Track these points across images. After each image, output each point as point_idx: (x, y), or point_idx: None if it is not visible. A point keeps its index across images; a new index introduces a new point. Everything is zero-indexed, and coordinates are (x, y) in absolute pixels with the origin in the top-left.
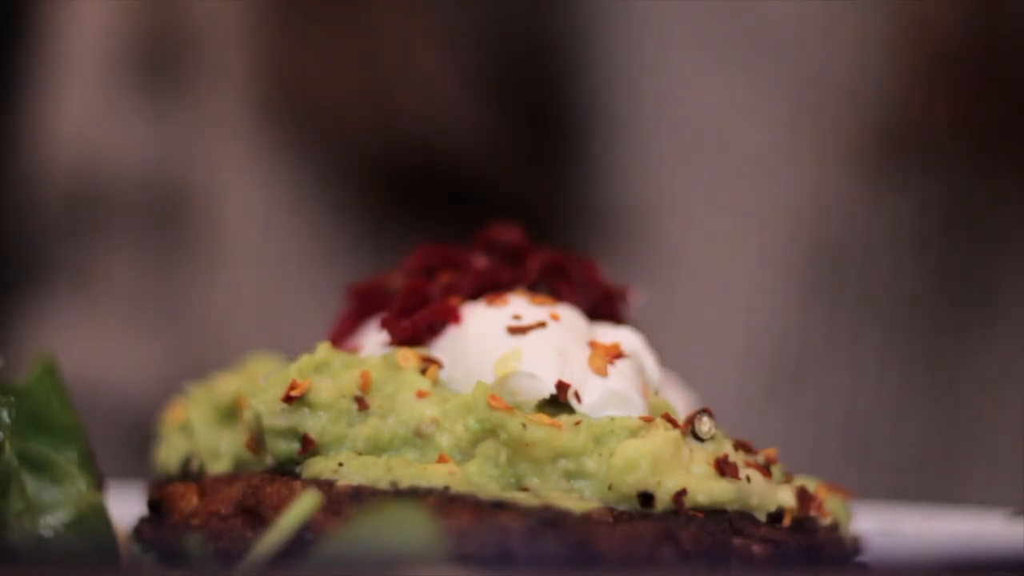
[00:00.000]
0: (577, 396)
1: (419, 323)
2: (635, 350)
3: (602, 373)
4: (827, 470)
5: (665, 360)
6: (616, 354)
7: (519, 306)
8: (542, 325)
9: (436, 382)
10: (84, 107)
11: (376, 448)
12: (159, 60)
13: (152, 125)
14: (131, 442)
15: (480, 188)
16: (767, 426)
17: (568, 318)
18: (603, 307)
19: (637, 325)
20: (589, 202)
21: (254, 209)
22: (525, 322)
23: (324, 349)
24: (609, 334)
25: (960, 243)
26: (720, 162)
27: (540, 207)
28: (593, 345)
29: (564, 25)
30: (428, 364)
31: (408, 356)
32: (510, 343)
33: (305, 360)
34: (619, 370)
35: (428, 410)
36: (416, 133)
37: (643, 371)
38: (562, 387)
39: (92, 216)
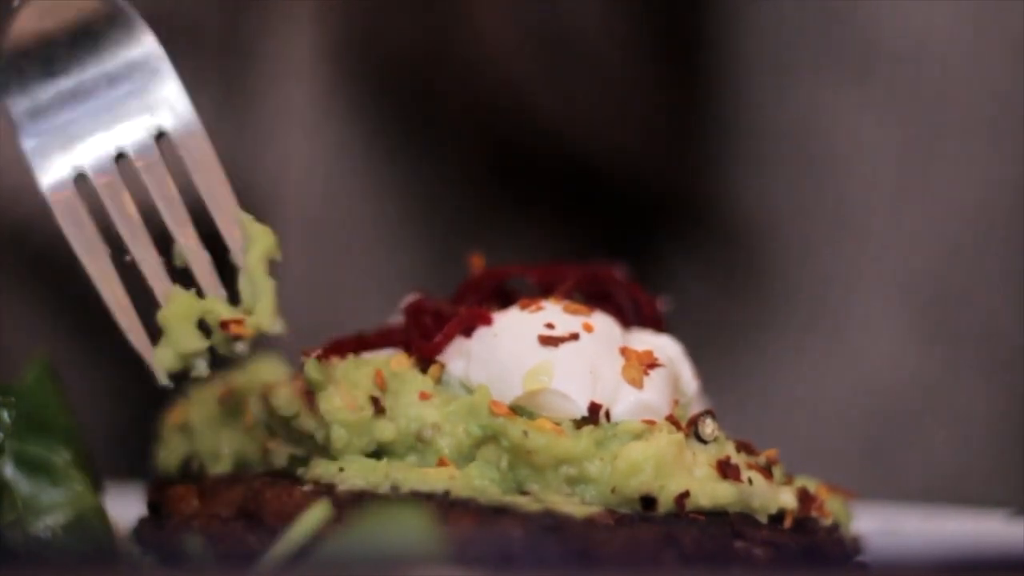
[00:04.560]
0: (608, 415)
1: (450, 335)
2: (671, 358)
3: (637, 385)
4: None
5: (754, 398)
6: (650, 363)
7: (552, 313)
8: (575, 338)
9: (438, 382)
10: None
11: (379, 451)
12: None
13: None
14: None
15: (577, 172)
16: (863, 479)
17: (602, 328)
18: (640, 314)
19: (740, 358)
20: (709, 215)
21: (315, 181)
22: (557, 332)
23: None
24: (646, 340)
25: None
26: (843, 189)
27: (650, 209)
28: (626, 353)
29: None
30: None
31: (402, 360)
32: (541, 355)
33: (317, 361)
34: (653, 381)
35: (430, 414)
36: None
37: (679, 380)
38: (594, 408)
39: None
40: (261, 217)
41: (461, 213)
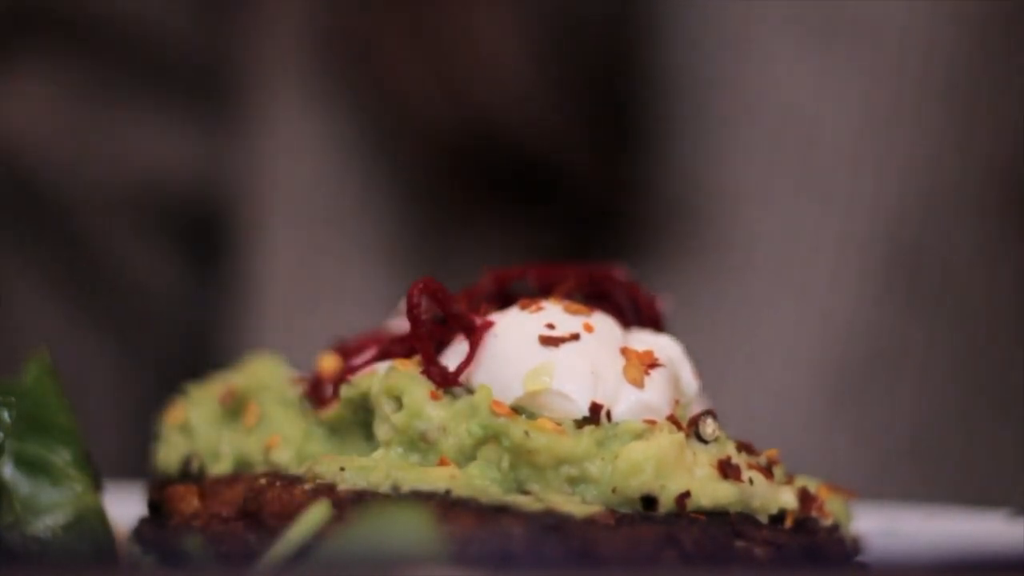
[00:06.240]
0: (608, 415)
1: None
2: (671, 358)
3: (638, 385)
4: (893, 477)
5: (723, 356)
6: (651, 363)
7: (553, 314)
8: (575, 338)
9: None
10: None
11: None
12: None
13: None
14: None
15: (548, 170)
16: (831, 429)
17: (602, 328)
18: (639, 314)
19: (699, 314)
20: (663, 185)
21: (306, 191)
22: (558, 332)
23: None
24: (646, 340)
25: None
26: (804, 152)
27: (610, 189)
28: (627, 353)
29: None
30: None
31: (407, 364)
32: (542, 355)
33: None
34: (654, 381)
35: (439, 415)
36: (483, 112)
37: (678, 380)
38: (596, 408)
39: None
40: (248, 216)
41: (446, 214)
